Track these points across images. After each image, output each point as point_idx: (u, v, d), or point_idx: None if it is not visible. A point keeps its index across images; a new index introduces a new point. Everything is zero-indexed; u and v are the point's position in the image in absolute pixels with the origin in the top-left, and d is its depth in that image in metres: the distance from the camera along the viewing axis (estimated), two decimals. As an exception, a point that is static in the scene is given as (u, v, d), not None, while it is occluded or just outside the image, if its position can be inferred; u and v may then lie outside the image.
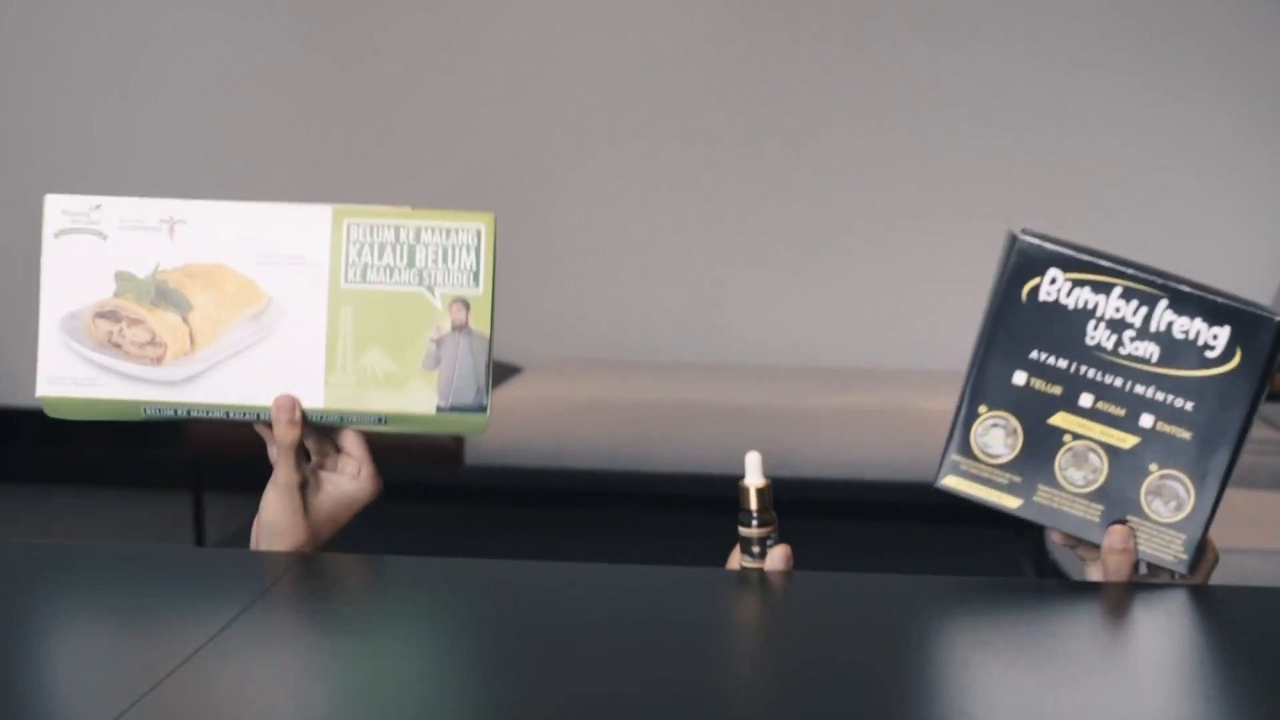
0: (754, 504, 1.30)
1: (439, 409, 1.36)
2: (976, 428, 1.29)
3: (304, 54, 4.51)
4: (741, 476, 1.31)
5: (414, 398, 1.36)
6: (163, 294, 1.37)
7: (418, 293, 1.36)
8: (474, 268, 1.36)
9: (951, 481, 1.30)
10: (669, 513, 3.88)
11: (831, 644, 1.13)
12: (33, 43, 4.57)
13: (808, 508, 3.22)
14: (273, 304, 1.36)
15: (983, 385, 1.28)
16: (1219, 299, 1.23)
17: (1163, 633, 1.20)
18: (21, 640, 1.10)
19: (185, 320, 1.36)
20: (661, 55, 4.38)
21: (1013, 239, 1.27)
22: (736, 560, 1.31)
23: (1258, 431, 3.39)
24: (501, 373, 4.11)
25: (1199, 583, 1.26)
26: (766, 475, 1.31)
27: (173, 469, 4.23)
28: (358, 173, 4.51)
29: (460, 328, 1.36)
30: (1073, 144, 4.25)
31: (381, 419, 1.37)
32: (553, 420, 3.69)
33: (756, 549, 1.29)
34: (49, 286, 1.38)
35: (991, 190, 4.28)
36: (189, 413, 1.37)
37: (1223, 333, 1.22)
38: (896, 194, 4.32)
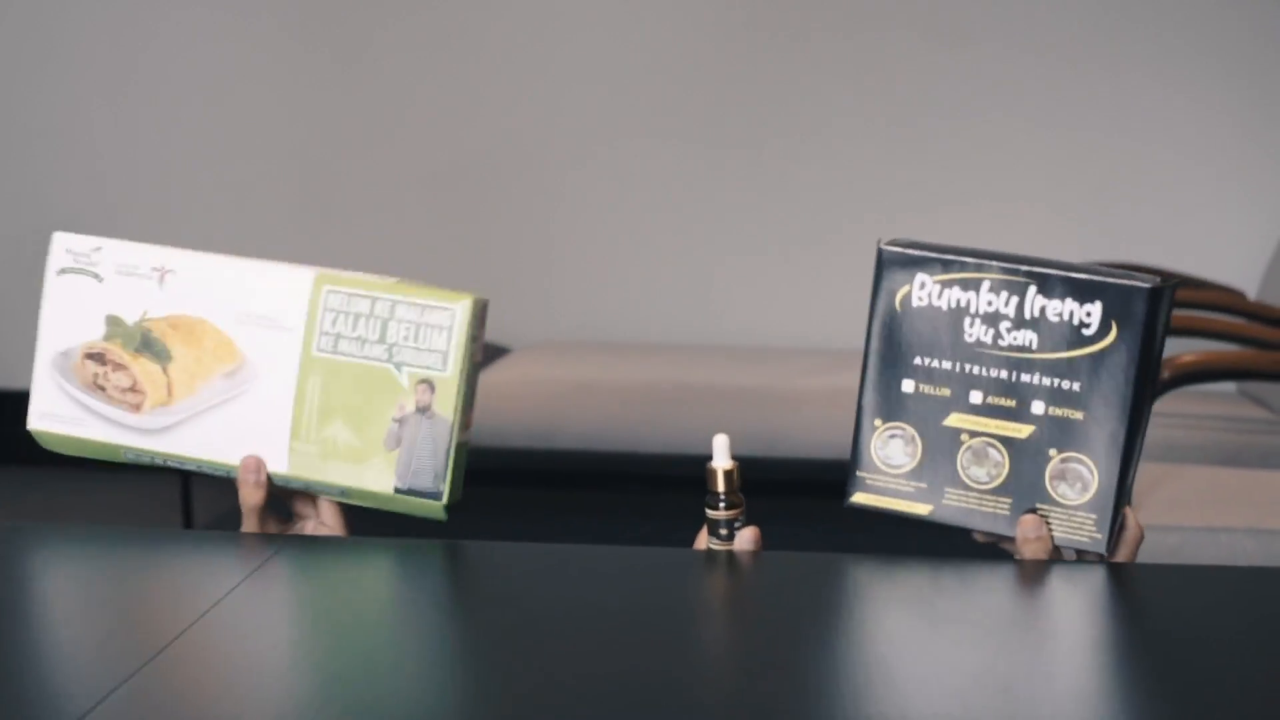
0: (721, 486, 1.30)
1: (396, 490, 1.34)
2: (875, 441, 1.30)
3: (302, 51, 4.49)
4: (710, 458, 1.31)
5: (372, 475, 1.34)
6: (146, 342, 1.37)
7: (385, 368, 1.34)
8: (444, 349, 1.33)
9: (861, 498, 1.32)
10: (660, 494, 3.87)
11: (829, 626, 1.13)
12: (31, 44, 4.55)
13: (799, 488, 3.22)
14: (246, 364, 1.36)
15: (874, 399, 1.30)
16: (1085, 276, 1.23)
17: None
18: (8, 622, 1.10)
19: (165, 371, 1.37)
20: (654, 40, 4.37)
21: (879, 251, 1.29)
22: (703, 542, 1.31)
23: (1244, 410, 3.39)
24: (490, 353, 4.11)
25: (1124, 560, 1.26)
26: (734, 457, 1.31)
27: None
28: (352, 154, 4.50)
29: (424, 409, 1.33)
30: (1065, 133, 4.24)
31: (344, 492, 1.36)
32: (543, 401, 3.68)
33: (724, 531, 1.29)
34: (46, 323, 1.39)
35: (981, 177, 4.28)
36: (164, 462, 1.38)
37: (1095, 309, 1.23)
38: (886, 178, 4.32)
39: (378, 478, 1.34)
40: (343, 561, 1.29)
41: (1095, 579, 1.21)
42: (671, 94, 4.38)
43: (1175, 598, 1.21)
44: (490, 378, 3.80)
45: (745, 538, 1.28)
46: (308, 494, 1.39)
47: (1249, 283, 3.89)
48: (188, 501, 3.90)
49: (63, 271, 1.38)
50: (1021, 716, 0.95)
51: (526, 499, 4.07)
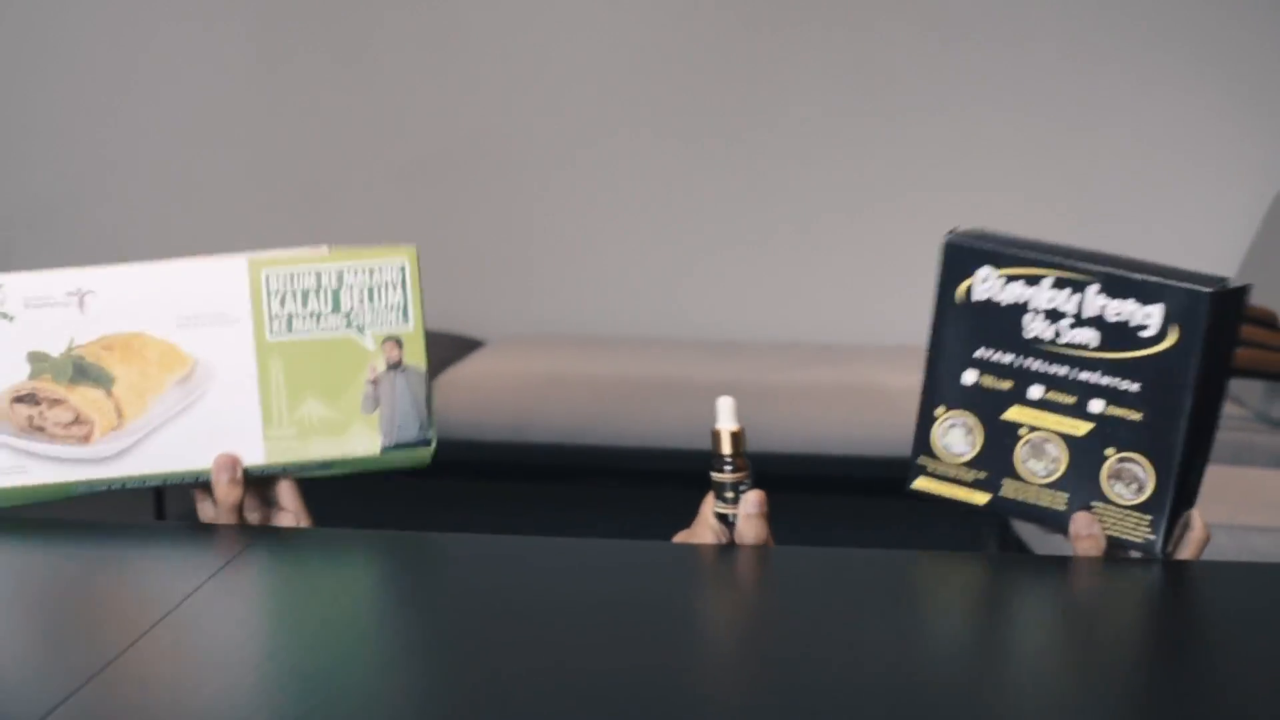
0: (727, 448, 1.30)
1: (384, 448, 1.36)
2: (936, 429, 1.31)
3: (281, 46, 4.47)
4: (714, 424, 1.31)
5: (357, 442, 1.35)
6: (81, 370, 1.33)
7: (347, 337, 1.34)
8: (402, 304, 1.35)
9: (922, 484, 1.32)
10: (633, 487, 3.87)
11: (793, 618, 1.12)
12: (28, 43, 4.52)
13: (773, 483, 3.21)
14: (198, 366, 1.33)
15: (936, 387, 1.31)
16: (1148, 278, 1.23)
17: (1117, 606, 1.20)
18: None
19: (110, 394, 1.33)
20: (628, 35, 4.36)
21: (944, 242, 1.29)
22: (710, 506, 1.31)
23: (1234, 409, 3.39)
24: (464, 346, 4.10)
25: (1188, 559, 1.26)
26: (739, 420, 1.32)
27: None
28: (323, 160, 4.48)
29: (395, 365, 1.35)
30: (1048, 127, 4.24)
31: (326, 464, 1.36)
32: (516, 394, 3.68)
33: (730, 494, 1.29)
34: None
35: (959, 171, 4.28)
36: (124, 485, 1.35)
37: (1156, 311, 1.23)
38: (862, 173, 4.32)
39: (362, 443, 1.35)
40: (315, 554, 1.28)
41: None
42: (647, 89, 4.37)
43: (1216, 594, 1.21)
44: (464, 370, 3.79)
45: (750, 501, 1.29)
46: (263, 489, 1.38)
47: (1243, 281, 3.89)
48: (160, 492, 3.88)
49: None
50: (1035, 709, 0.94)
51: (500, 492, 4.06)
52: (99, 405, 1.33)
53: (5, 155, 4.59)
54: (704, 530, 1.31)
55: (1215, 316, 1.21)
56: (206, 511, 1.37)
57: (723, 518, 1.30)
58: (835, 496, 3.68)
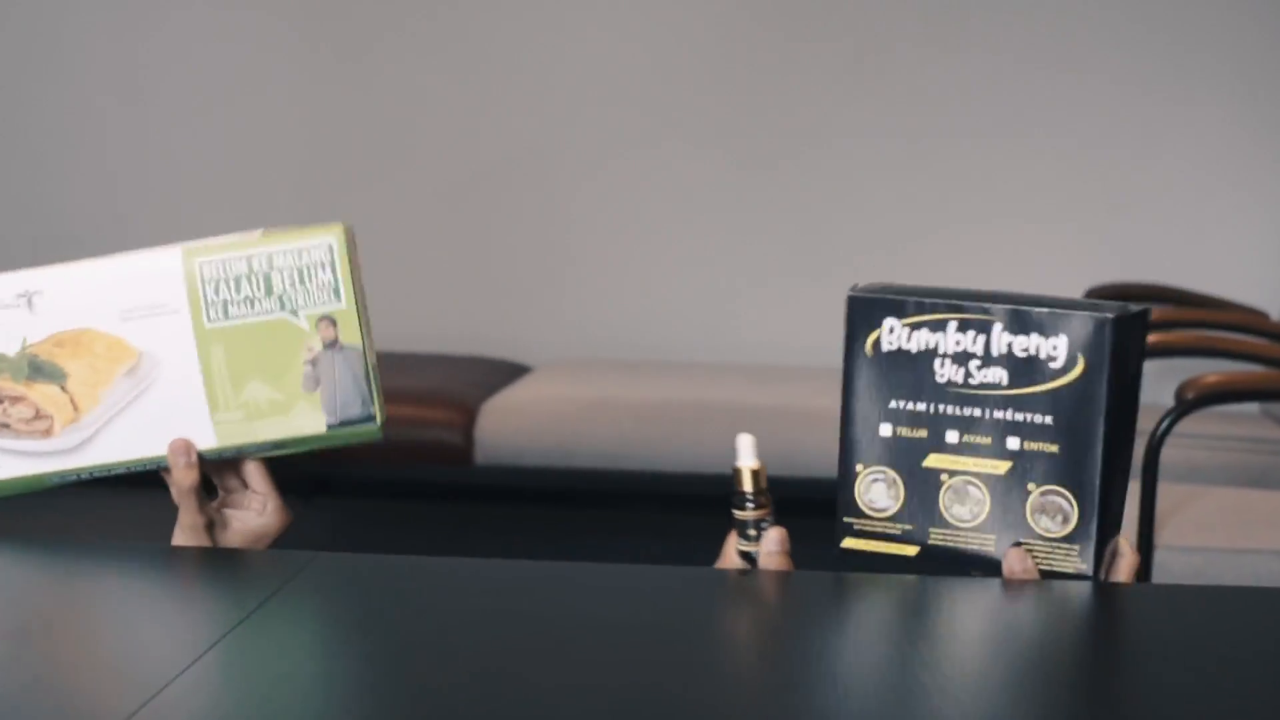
0: (748, 486, 1.30)
1: (329, 426, 1.37)
2: (858, 486, 1.30)
3: (318, 64, 4.50)
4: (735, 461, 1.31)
5: (302, 421, 1.36)
6: (36, 368, 1.36)
7: (282, 319, 1.35)
8: (332, 283, 1.35)
9: (850, 543, 1.32)
10: (678, 512, 3.87)
11: (836, 644, 1.13)
12: (37, 46, 4.57)
13: (815, 507, 3.21)
14: (144, 357, 1.36)
15: (853, 444, 1.31)
16: (1048, 310, 1.23)
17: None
18: (32, 638, 1.10)
19: (64, 389, 1.36)
20: (674, 57, 4.37)
21: (848, 298, 1.30)
22: (733, 545, 1.31)
23: (1267, 431, 3.38)
24: (511, 372, 4.11)
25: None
26: (759, 458, 1.32)
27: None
28: (367, 170, 4.50)
29: (331, 344, 1.35)
30: (1084, 153, 4.23)
31: (278, 445, 1.37)
32: (562, 420, 3.68)
33: (752, 532, 1.29)
34: None
35: (1000, 197, 4.27)
36: (91, 475, 1.39)
37: (1060, 341, 1.23)
38: (903, 198, 4.31)
39: (307, 421, 1.36)
40: (366, 580, 1.29)
41: (1082, 596, 1.22)
42: (691, 112, 4.38)
43: (1198, 618, 1.21)
44: (511, 396, 3.80)
45: (771, 539, 1.28)
46: (233, 467, 1.41)
47: (1271, 304, 3.88)
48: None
49: None
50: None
51: (546, 516, 4.06)
52: (55, 400, 1.36)
53: (46, 169, 4.62)
54: (727, 567, 1.32)
55: (1119, 341, 1.21)
56: (175, 494, 1.40)
57: (746, 555, 1.30)
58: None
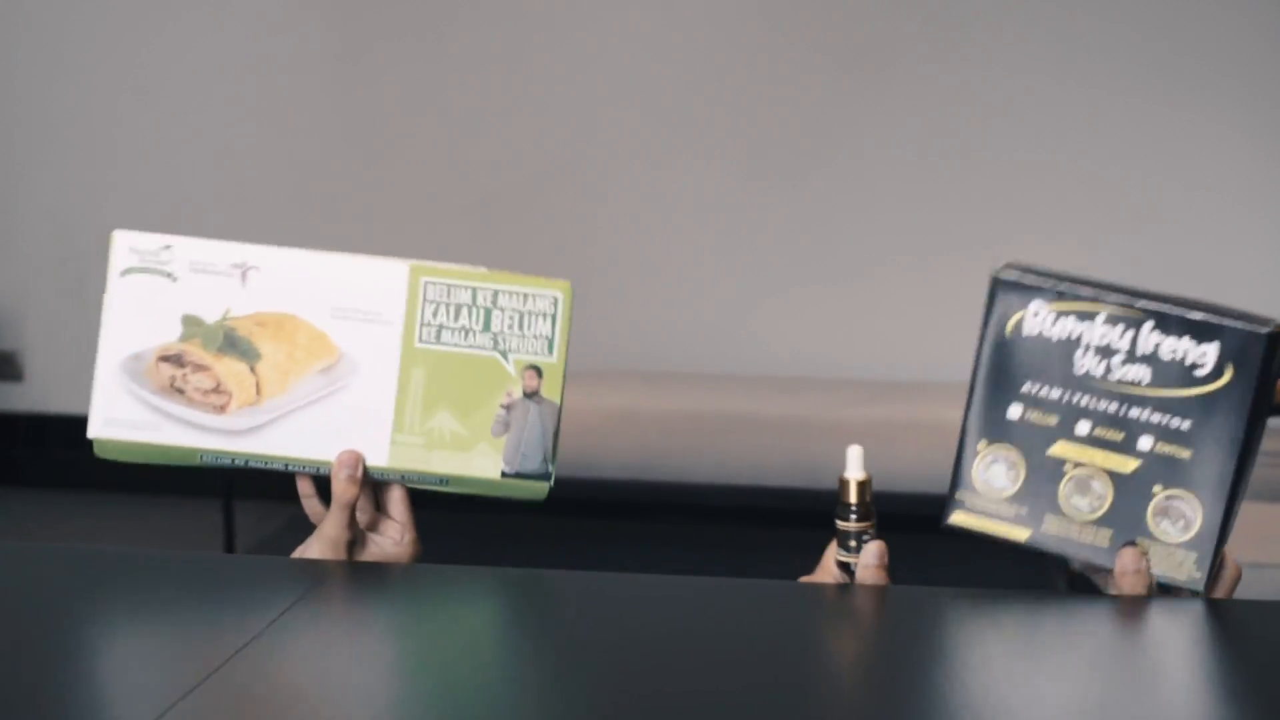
0: (853, 498, 1.30)
1: (504, 474, 1.36)
2: (978, 464, 1.29)
3: (339, 74, 4.51)
4: (839, 473, 1.31)
5: (479, 462, 1.35)
6: (231, 341, 1.34)
7: (492, 357, 1.35)
8: (549, 335, 1.36)
9: (959, 519, 1.31)
10: (701, 522, 3.87)
11: (856, 653, 1.12)
12: (43, 47, 4.58)
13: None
14: (344, 359, 1.34)
15: (980, 422, 1.29)
16: (1204, 316, 1.22)
17: (1171, 646, 1.19)
18: (55, 646, 1.10)
19: (253, 370, 1.34)
20: (698, 70, 4.37)
21: (993, 277, 1.28)
22: (832, 554, 1.31)
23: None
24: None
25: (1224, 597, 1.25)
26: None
27: (203, 476, 4.24)
28: (388, 183, 4.51)
29: (532, 394, 1.35)
30: (1107, 167, 4.22)
31: (443, 480, 1.36)
32: (585, 430, 3.68)
33: (853, 543, 1.29)
34: (111, 325, 1.35)
35: (1021, 210, 4.26)
36: (246, 462, 1.35)
37: (1211, 349, 1.21)
38: (927, 208, 4.31)
39: (484, 464, 1.35)
40: (388, 588, 1.29)
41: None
42: (710, 124, 4.38)
43: (1262, 633, 1.20)
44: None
45: (871, 551, 1.28)
46: (379, 491, 1.38)
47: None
48: (230, 525, 3.91)
49: (128, 271, 1.35)
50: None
51: (568, 527, 4.06)
52: (240, 378, 1.34)
53: (77, 184, 4.64)
54: (826, 578, 1.32)
55: (1270, 356, 1.20)
56: (313, 506, 1.37)
57: (844, 566, 1.29)
58: (903, 533, 3.65)
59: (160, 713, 0.94)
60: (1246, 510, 2.27)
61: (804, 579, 1.33)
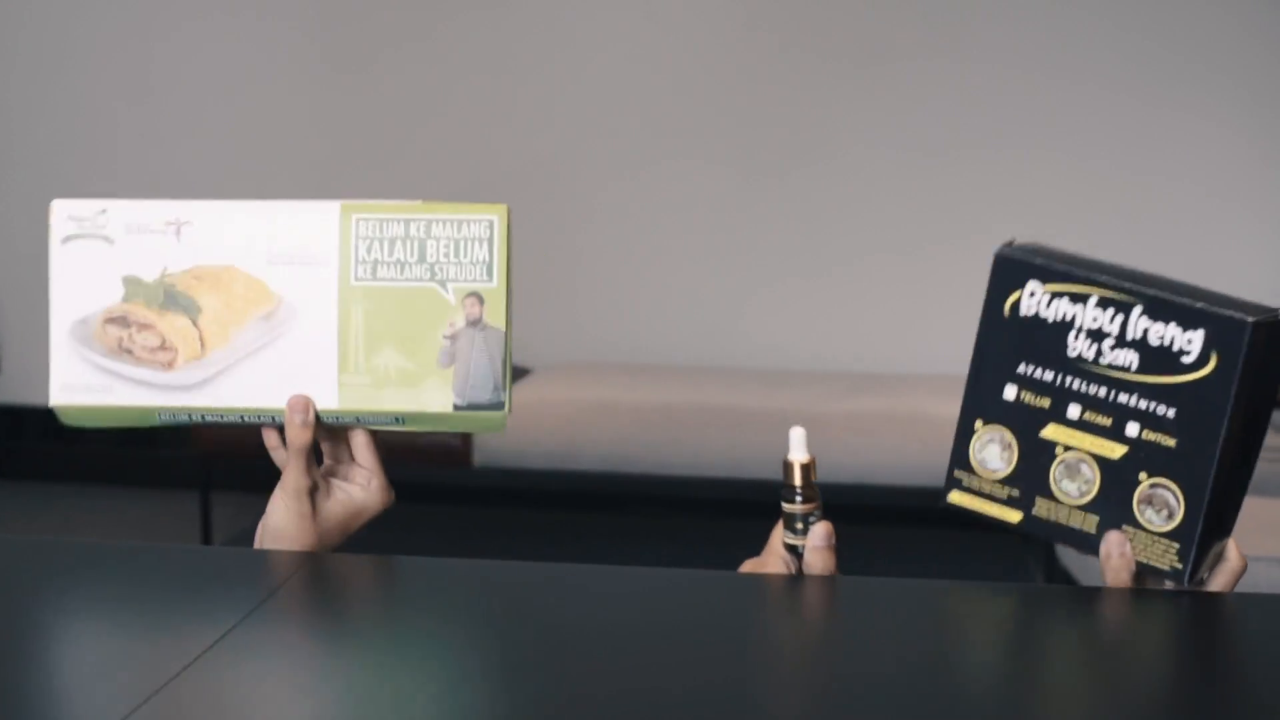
0: (798, 479, 1.29)
1: (455, 406, 1.32)
2: (974, 443, 1.29)
3: (330, 68, 4.51)
4: (785, 454, 1.30)
5: (430, 396, 1.31)
6: (171, 297, 1.33)
7: (429, 288, 1.31)
8: (487, 260, 1.32)
9: (956, 498, 1.30)
10: (679, 515, 3.87)
11: (834, 648, 1.12)
12: (49, 46, 4.57)
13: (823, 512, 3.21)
14: (283, 304, 1.32)
15: (977, 400, 1.28)
16: (1192, 303, 1.21)
17: (1155, 638, 1.19)
18: (28, 639, 1.10)
19: (195, 323, 1.32)
20: (682, 66, 4.38)
21: (995, 255, 1.27)
22: (779, 537, 1.30)
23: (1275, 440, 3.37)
24: (514, 374, 4.10)
25: (1218, 590, 1.25)
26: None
27: (181, 468, 4.24)
28: (376, 178, 4.51)
29: (475, 323, 1.31)
30: (1095, 160, 4.24)
31: (399, 419, 1.33)
32: (563, 422, 3.68)
33: (800, 525, 1.28)
34: (57, 293, 1.34)
35: (1006, 199, 4.28)
36: (203, 417, 1.34)
37: (1197, 337, 1.21)
38: (909, 201, 4.32)
39: (435, 397, 1.31)
40: (365, 581, 1.29)
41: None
42: (697, 119, 4.38)
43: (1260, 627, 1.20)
44: (512, 398, 3.79)
45: (817, 533, 1.27)
46: (342, 437, 1.36)
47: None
48: (207, 518, 3.91)
49: (68, 239, 1.34)
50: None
51: (547, 519, 4.06)
52: (184, 333, 1.33)
53: (56, 175, 4.63)
54: (773, 560, 1.31)
55: (1257, 346, 1.19)
56: (279, 456, 1.35)
57: (792, 549, 1.29)
58: (882, 526, 3.67)
59: (136, 705, 0.93)
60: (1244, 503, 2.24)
61: (750, 561, 1.32)
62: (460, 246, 1.32)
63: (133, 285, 1.34)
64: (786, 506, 1.28)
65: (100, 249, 1.34)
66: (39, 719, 0.94)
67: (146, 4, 4.56)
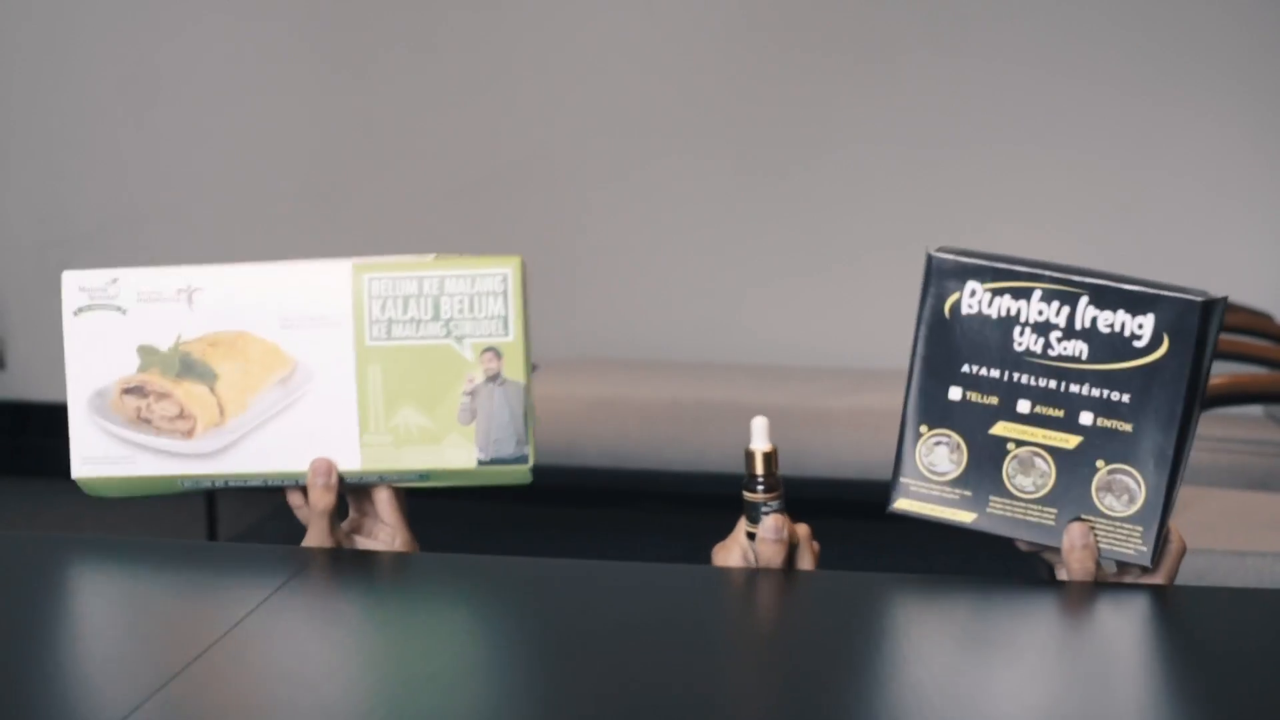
0: (759, 469, 1.30)
1: (480, 462, 1.33)
2: (920, 448, 1.29)
3: (328, 65, 4.51)
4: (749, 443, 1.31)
5: (452, 453, 1.32)
6: (187, 365, 1.33)
7: (446, 345, 1.31)
8: (503, 314, 1.31)
9: (904, 504, 1.31)
10: (683, 511, 3.87)
11: (816, 641, 1.13)
12: (50, 47, 4.57)
13: (822, 507, 3.21)
14: (299, 368, 1.33)
15: (920, 405, 1.29)
16: (1138, 288, 1.23)
17: (1119, 633, 1.20)
18: (38, 633, 1.10)
19: (212, 390, 1.33)
20: (680, 62, 4.37)
21: (929, 258, 1.27)
22: (743, 527, 1.31)
23: (1271, 433, 3.37)
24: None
25: (1166, 574, 1.26)
26: (773, 441, 1.31)
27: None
28: (376, 178, 4.51)
29: (494, 378, 1.32)
30: (1089, 155, 4.23)
31: (423, 475, 1.34)
32: (567, 418, 3.68)
33: (760, 514, 1.29)
34: (73, 365, 1.35)
35: (1005, 199, 4.27)
36: (226, 483, 1.34)
37: (1147, 321, 1.22)
38: (910, 197, 4.31)
39: (458, 454, 1.32)
40: (370, 575, 1.29)
41: (1136, 601, 1.21)
42: (698, 112, 4.38)
43: (1218, 620, 1.20)
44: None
45: (768, 525, 1.28)
46: (368, 492, 1.37)
47: (1275, 306, 3.88)
48: (212, 515, 3.91)
49: (80, 311, 1.34)
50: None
51: (549, 515, 4.06)
52: (202, 401, 1.33)
53: (58, 172, 4.63)
54: (735, 548, 1.32)
55: (1204, 326, 1.21)
56: (303, 514, 1.36)
57: (752, 537, 1.30)
58: (885, 521, 3.66)
59: (143, 699, 0.94)
60: (1226, 498, 2.27)
61: (717, 547, 1.33)
62: (475, 302, 1.31)
63: (148, 354, 1.34)
64: (748, 495, 1.30)
65: (113, 319, 1.35)
66: (54, 709, 0.95)
67: (147, 5, 4.55)
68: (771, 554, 1.27)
